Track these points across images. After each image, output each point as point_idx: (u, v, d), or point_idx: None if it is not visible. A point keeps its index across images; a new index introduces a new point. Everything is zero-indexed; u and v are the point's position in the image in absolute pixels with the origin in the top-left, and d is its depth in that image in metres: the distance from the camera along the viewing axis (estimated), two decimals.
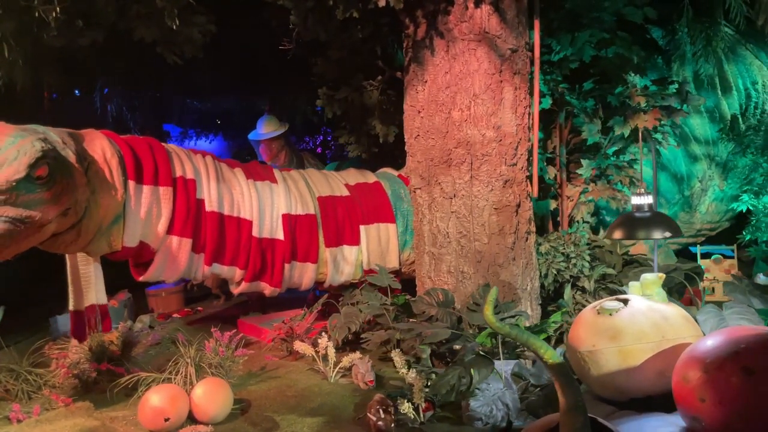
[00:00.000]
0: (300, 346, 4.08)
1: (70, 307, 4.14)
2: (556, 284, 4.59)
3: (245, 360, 4.07)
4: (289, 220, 4.64)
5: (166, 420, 3.17)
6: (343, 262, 4.91)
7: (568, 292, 4.33)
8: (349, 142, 5.63)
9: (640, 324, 2.84)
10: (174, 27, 4.01)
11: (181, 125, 10.06)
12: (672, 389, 2.52)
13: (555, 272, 4.52)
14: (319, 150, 10.43)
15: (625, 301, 3.00)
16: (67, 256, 4.03)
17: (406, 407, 3.10)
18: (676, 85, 4.85)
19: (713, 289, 4.51)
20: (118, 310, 5.43)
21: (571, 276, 4.51)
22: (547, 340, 3.93)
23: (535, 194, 4.43)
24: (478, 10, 4.05)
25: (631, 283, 3.20)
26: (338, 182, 5.18)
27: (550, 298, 4.63)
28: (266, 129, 7.16)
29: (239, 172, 4.61)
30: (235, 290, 4.65)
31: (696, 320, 3.16)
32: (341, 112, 5.23)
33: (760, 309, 3.26)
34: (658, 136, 4.87)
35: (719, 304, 3.45)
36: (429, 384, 3.35)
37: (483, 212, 4.20)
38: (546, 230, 5.25)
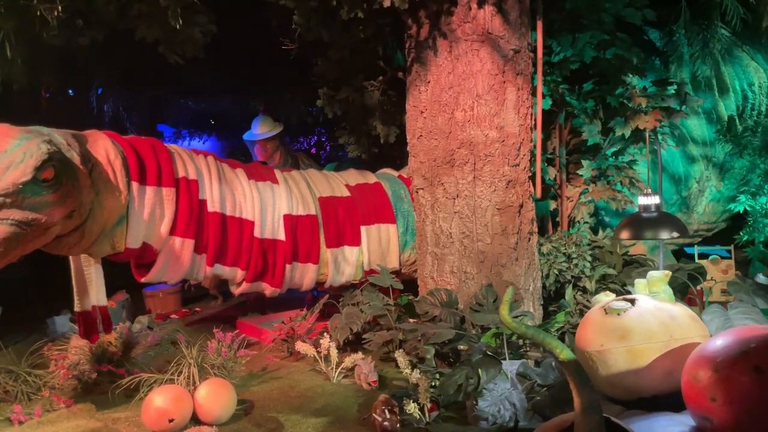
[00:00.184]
0: (302, 346, 4.06)
1: (76, 308, 4.08)
2: (557, 285, 4.60)
3: (247, 361, 4.06)
4: (290, 220, 4.62)
5: (171, 421, 3.15)
6: (344, 263, 4.90)
7: (569, 292, 4.34)
8: (349, 143, 5.63)
9: (648, 323, 2.85)
10: (177, 27, 3.99)
11: (175, 125, 9.99)
12: (681, 388, 2.53)
13: (556, 273, 4.53)
14: (313, 150, 10.38)
15: (633, 301, 3.01)
16: (70, 257, 3.99)
17: (411, 407, 3.10)
18: (675, 87, 4.88)
19: (710, 289, 4.53)
20: (116, 311, 5.39)
21: (572, 276, 4.52)
22: None
23: (539, 195, 4.45)
24: (482, 11, 4.06)
25: (637, 281, 3.21)
26: (339, 183, 5.17)
27: (551, 299, 4.64)
28: (261, 129, 7.14)
29: (241, 172, 4.59)
30: (236, 291, 4.63)
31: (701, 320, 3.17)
32: (342, 112, 5.22)
33: (765, 309, 3.29)
34: (658, 137, 4.89)
35: (723, 304, 3.48)
36: (434, 384, 3.35)
37: (486, 213, 4.20)
38: (546, 231, 5.26)
